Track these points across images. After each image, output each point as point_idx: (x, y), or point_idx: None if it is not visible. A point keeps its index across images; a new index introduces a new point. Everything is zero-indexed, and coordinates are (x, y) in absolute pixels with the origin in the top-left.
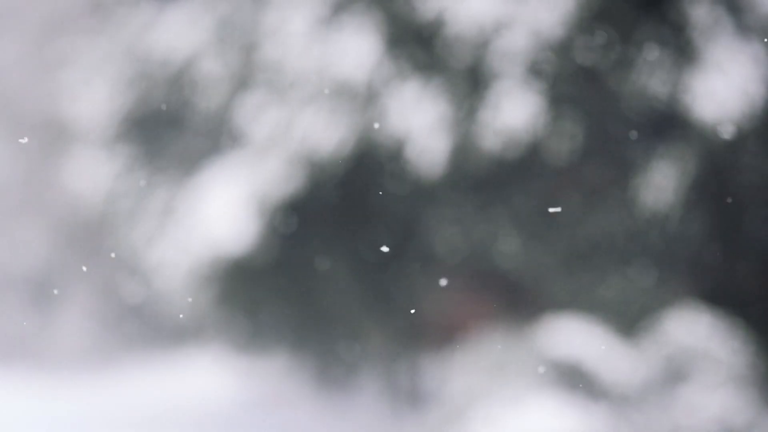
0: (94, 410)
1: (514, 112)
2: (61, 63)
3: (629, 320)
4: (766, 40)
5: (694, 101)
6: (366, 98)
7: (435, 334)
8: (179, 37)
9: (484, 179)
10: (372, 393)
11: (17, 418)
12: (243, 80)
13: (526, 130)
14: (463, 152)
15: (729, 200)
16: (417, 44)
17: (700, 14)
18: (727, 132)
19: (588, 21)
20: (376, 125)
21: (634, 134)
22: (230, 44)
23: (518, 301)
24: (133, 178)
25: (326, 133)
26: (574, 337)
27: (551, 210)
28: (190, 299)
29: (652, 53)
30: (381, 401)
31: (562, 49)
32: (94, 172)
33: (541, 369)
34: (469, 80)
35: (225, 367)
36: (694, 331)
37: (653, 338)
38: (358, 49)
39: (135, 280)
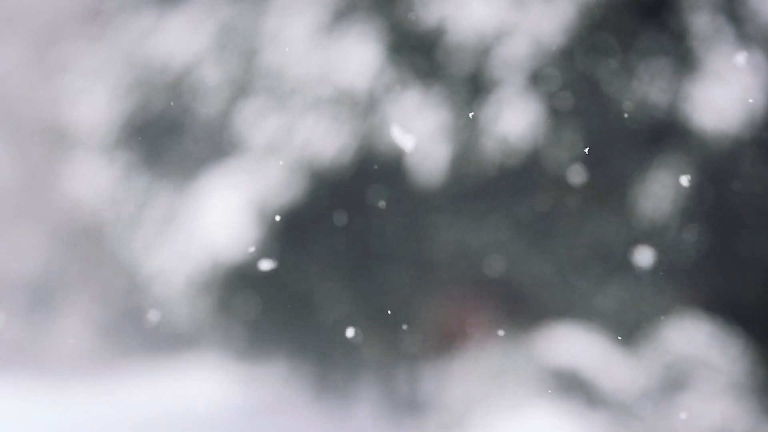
0: (92, 417)
1: (514, 120)
2: (61, 69)
3: (628, 328)
4: None
5: (694, 110)
6: (367, 106)
7: (434, 341)
8: (179, 43)
9: (484, 187)
10: (371, 400)
11: (15, 424)
12: (243, 87)
13: (526, 138)
14: (464, 160)
15: (728, 209)
16: (418, 52)
17: (701, 23)
18: (726, 140)
19: (589, 29)
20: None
21: (633, 143)
22: (231, 50)
23: (517, 308)
24: (132, 185)
25: (327, 141)
26: (572, 344)
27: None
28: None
29: (652, 62)
30: (380, 408)
31: (563, 57)
32: (93, 178)
33: (541, 377)
34: (469, 88)
35: (223, 373)
36: (692, 339)
37: (652, 346)
38: (359, 56)
39: (134, 287)
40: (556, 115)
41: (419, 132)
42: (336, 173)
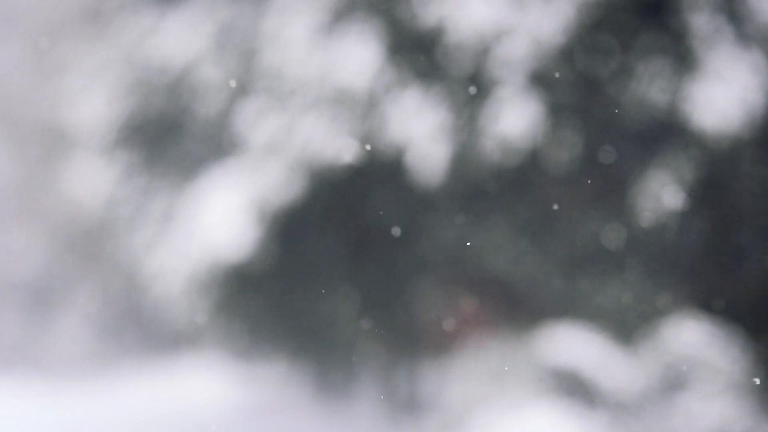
0: (92, 417)
1: (513, 120)
2: (61, 69)
3: (628, 328)
4: None
5: (694, 110)
6: (366, 106)
7: (434, 341)
8: (179, 43)
9: (484, 187)
10: (370, 400)
11: (15, 424)
12: (243, 86)
13: (525, 138)
14: (463, 160)
15: (728, 209)
16: (418, 52)
17: (701, 23)
18: (726, 141)
19: (589, 29)
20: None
21: (633, 143)
22: (230, 50)
23: (517, 308)
24: (132, 185)
25: (327, 141)
26: (572, 344)
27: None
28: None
29: (652, 62)
30: (379, 408)
31: (563, 57)
32: (93, 178)
33: (541, 377)
34: (469, 88)
35: (223, 373)
36: (692, 339)
37: (652, 346)
38: (358, 56)
39: (134, 287)
40: (556, 115)
41: (419, 132)
42: (336, 173)
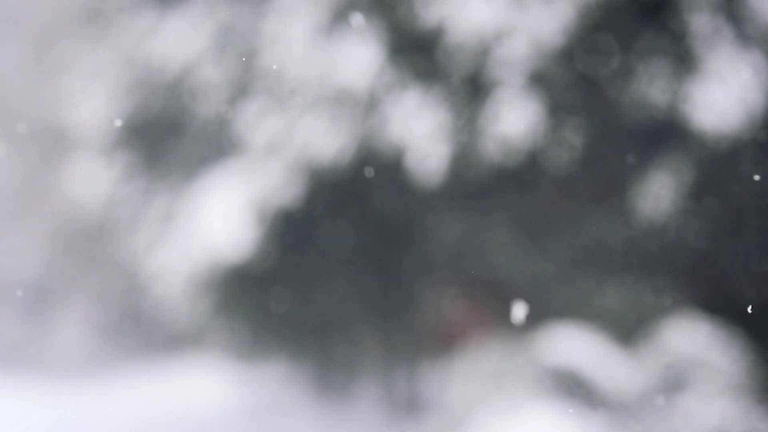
0: (92, 417)
1: (513, 121)
2: (61, 69)
3: (628, 329)
4: None
5: (694, 110)
6: (366, 106)
7: (434, 341)
8: (179, 44)
9: (484, 187)
10: (370, 400)
11: (15, 424)
12: (243, 87)
13: (525, 139)
14: (463, 160)
15: (728, 209)
16: (418, 52)
17: (701, 23)
18: (726, 141)
19: (589, 30)
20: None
21: (633, 143)
22: (230, 51)
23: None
24: (132, 185)
25: (326, 141)
26: (572, 344)
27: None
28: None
29: (652, 62)
30: (379, 408)
31: (563, 57)
32: (93, 179)
33: (541, 377)
34: (469, 88)
35: (223, 374)
36: (692, 339)
37: (652, 347)
38: (358, 56)
39: (134, 287)
40: (556, 115)
41: (419, 132)
42: (336, 173)
